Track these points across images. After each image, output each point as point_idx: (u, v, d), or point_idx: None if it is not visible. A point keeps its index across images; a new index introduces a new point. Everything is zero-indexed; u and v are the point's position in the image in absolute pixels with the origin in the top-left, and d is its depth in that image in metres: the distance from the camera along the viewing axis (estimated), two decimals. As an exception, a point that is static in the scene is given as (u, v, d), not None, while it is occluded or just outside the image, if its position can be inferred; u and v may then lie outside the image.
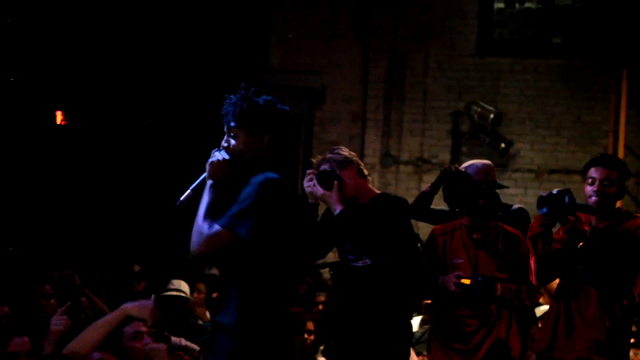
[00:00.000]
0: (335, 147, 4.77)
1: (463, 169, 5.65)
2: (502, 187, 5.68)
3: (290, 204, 3.58)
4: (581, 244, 4.67)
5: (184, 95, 10.89)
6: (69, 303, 4.66)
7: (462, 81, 11.41)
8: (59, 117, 11.39)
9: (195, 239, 3.44)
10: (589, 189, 4.80)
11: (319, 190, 4.55)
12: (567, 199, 4.61)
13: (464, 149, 11.26)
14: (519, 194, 11.12)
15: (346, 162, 4.65)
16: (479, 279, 4.98)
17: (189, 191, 3.62)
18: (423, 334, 6.29)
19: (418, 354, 6.15)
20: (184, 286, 7.89)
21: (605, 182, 4.75)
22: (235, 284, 3.53)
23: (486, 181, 5.56)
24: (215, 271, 10.63)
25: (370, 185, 4.73)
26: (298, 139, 10.93)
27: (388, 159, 11.34)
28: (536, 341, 5.01)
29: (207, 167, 3.61)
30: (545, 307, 7.05)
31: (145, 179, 11.15)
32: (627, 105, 10.71)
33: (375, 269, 4.52)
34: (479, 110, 11.07)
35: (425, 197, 5.55)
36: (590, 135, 11.18)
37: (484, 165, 5.71)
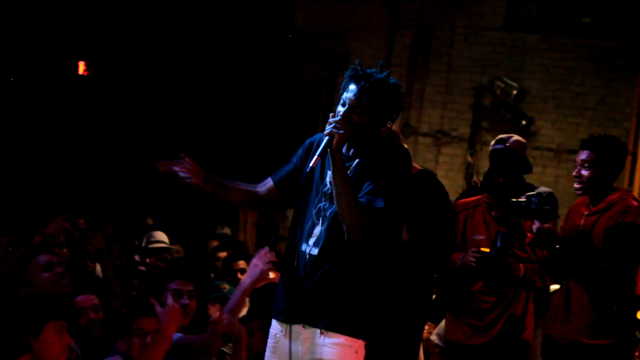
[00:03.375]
0: None
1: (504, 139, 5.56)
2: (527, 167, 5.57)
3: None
4: (557, 246, 4.65)
5: (207, 51, 10.85)
6: None
7: (487, 55, 11.30)
8: (81, 67, 11.38)
9: (353, 224, 3.43)
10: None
11: None
12: (533, 205, 4.58)
13: (485, 123, 11.17)
14: (537, 173, 11.03)
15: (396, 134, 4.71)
16: (500, 232, 4.93)
17: (316, 157, 3.50)
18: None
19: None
20: (164, 237, 8.00)
21: (585, 165, 4.65)
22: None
23: (523, 155, 5.41)
24: (227, 230, 10.65)
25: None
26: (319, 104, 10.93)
27: (407, 130, 11.27)
28: (546, 320, 5.01)
29: (330, 138, 3.49)
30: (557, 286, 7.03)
31: (163, 133, 11.14)
32: (653, 88, 10.62)
33: (411, 244, 4.58)
34: (503, 85, 10.98)
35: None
36: (613, 117, 11.07)
37: (520, 140, 5.65)
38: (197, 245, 9.45)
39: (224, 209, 10.70)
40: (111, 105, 11.41)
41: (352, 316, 3.49)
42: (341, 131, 3.45)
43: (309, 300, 3.52)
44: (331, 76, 11.29)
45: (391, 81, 3.56)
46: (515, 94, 10.92)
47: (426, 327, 6.15)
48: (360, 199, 3.45)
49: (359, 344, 3.50)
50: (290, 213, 10.77)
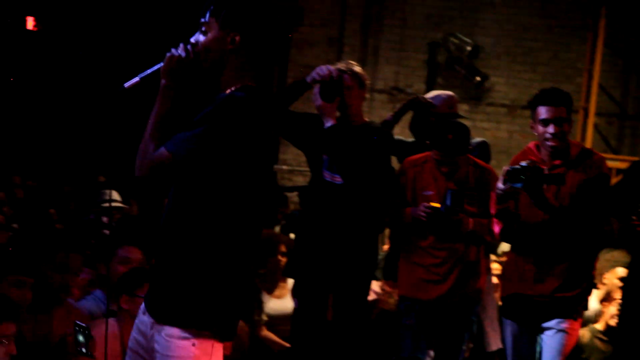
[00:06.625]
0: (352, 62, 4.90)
1: (429, 100, 5.62)
2: (463, 117, 5.67)
3: (259, 129, 2.87)
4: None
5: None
6: None
7: (441, 11, 11.31)
8: (30, 23, 11.18)
9: (139, 158, 2.83)
10: (541, 129, 4.72)
11: (318, 100, 4.64)
12: (541, 172, 4.58)
13: (439, 80, 11.21)
14: (492, 128, 11.15)
15: (365, 82, 4.85)
16: (449, 190, 4.98)
17: (137, 78, 2.96)
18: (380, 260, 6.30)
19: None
20: (117, 195, 7.92)
21: (562, 122, 4.72)
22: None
23: (452, 113, 5.54)
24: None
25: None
26: (277, 53, 10.81)
27: (362, 86, 11.25)
28: (505, 281, 5.06)
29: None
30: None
31: (114, 90, 11.03)
32: (604, 44, 10.73)
33: (345, 188, 4.71)
34: (457, 41, 11.01)
35: (388, 125, 5.52)
36: (566, 73, 11.19)
37: (449, 96, 5.68)
38: (153, 203, 9.37)
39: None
40: (62, 61, 11.25)
41: (188, 304, 2.83)
42: (175, 52, 2.89)
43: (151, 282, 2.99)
44: (286, 32, 11.22)
45: None
46: (469, 50, 10.96)
47: (378, 283, 6.20)
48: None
49: (200, 336, 2.83)
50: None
